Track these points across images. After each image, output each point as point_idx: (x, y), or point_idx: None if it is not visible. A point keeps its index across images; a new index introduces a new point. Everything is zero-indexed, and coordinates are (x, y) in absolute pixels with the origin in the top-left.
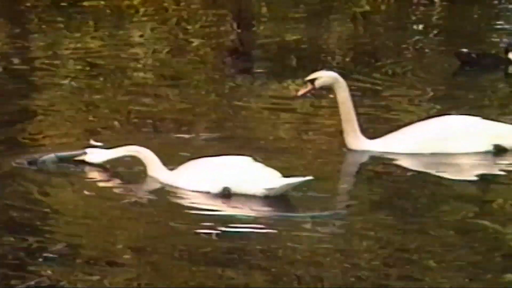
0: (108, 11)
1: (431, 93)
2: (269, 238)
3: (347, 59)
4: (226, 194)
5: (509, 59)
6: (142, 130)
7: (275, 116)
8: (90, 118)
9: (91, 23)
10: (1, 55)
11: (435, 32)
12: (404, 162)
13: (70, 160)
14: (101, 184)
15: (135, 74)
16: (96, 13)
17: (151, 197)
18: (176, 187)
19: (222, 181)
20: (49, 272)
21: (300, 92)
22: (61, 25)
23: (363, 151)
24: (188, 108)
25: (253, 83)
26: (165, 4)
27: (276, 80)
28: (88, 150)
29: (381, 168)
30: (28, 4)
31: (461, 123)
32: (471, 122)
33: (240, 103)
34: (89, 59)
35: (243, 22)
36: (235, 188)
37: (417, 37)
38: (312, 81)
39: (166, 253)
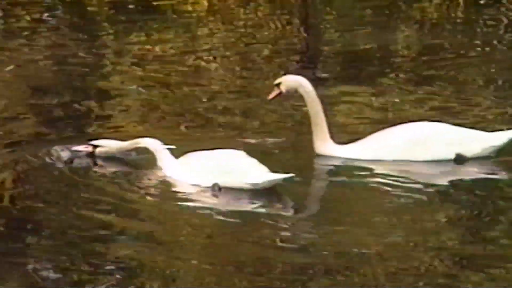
0: (175, 16)
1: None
2: None
3: (414, 64)
4: (216, 189)
5: None
6: (209, 135)
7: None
8: (156, 122)
9: (159, 28)
10: (70, 59)
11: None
12: (363, 169)
13: (80, 154)
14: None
15: (202, 80)
16: (165, 18)
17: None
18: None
19: (211, 175)
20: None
21: (270, 96)
22: (129, 30)
23: (330, 156)
24: (254, 112)
25: (317, 88)
26: (233, 10)
27: (342, 84)
28: (96, 142)
29: (338, 173)
30: (95, 9)
31: (425, 130)
32: (436, 129)
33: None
34: (157, 65)
35: (310, 28)
36: (223, 182)
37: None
38: (278, 84)
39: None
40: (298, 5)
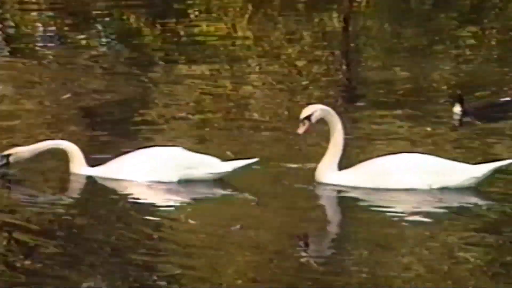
0: (222, 49)
1: None
2: None
3: (450, 92)
4: (180, 182)
5: None
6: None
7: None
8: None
9: (208, 60)
10: (122, 88)
11: None
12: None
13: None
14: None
15: (248, 108)
16: (213, 48)
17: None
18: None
19: (176, 170)
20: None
21: (300, 131)
22: (179, 58)
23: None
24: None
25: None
26: (277, 42)
27: (379, 113)
28: (8, 151)
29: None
30: (150, 38)
31: (407, 161)
32: (417, 160)
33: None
34: (206, 94)
35: (351, 59)
36: (187, 175)
37: None
38: (308, 117)
39: None
40: (340, 36)
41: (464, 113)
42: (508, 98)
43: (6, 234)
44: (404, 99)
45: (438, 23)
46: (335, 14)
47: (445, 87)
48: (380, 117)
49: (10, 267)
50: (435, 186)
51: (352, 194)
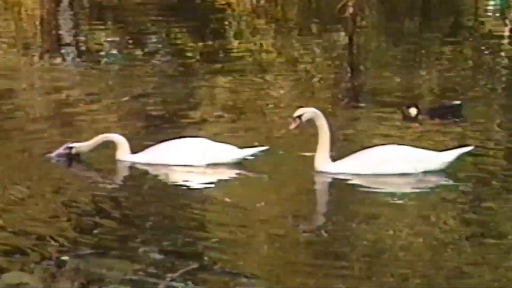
0: (251, 61)
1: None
2: None
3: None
4: (208, 166)
5: None
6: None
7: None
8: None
9: (237, 67)
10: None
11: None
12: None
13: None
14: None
15: (270, 107)
16: (243, 60)
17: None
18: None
19: (203, 156)
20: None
21: (291, 127)
22: (215, 68)
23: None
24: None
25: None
26: (294, 55)
27: (374, 113)
28: (73, 144)
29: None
30: (193, 52)
31: (395, 151)
32: (402, 150)
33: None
34: (237, 96)
35: (354, 69)
36: (212, 160)
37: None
38: (300, 116)
39: None
40: (346, 51)
41: (419, 114)
42: (457, 102)
43: (70, 212)
44: (392, 101)
45: (424, 41)
46: (342, 33)
47: (427, 92)
48: (376, 116)
49: (75, 241)
50: (419, 170)
51: (347, 180)
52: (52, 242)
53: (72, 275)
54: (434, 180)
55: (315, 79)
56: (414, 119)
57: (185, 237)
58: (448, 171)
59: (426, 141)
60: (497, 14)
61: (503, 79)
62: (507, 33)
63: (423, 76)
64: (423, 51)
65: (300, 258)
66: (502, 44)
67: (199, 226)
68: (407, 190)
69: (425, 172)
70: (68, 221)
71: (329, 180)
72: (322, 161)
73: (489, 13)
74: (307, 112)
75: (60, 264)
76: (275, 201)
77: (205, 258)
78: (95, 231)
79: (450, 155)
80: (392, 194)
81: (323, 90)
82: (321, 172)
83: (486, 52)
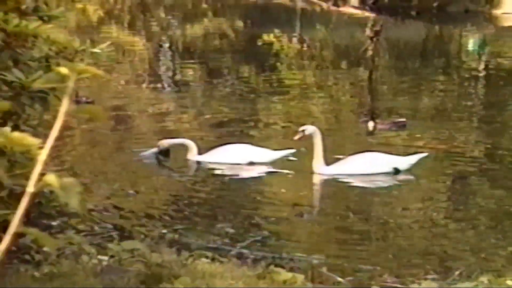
0: (296, 87)
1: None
2: None
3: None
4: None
5: None
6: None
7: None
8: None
9: (286, 91)
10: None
11: None
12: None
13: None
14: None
15: (310, 120)
16: (291, 87)
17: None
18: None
19: (247, 156)
20: None
21: (296, 137)
22: (272, 92)
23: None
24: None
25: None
26: (328, 83)
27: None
28: (159, 143)
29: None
30: (255, 81)
31: (375, 156)
32: (380, 155)
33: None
34: (286, 111)
35: (372, 94)
36: (253, 159)
37: None
38: (303, 131)
39: None
40: (366, 81)
41: (375, 127)
42: (403, 119)
43: (164, 197)
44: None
45: (422, 74)
46: (363, 69)
47: (423, 110)
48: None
49: (171, 219)
50: (398, 168)
51: (338, 178)
52: (155, 220)
53: (169, 243)
54: (404, 177)
55: (343, 102)
56: (372, 132)
57: (248, 216)
58: (411, 170)
59: (389, 148)
60: (475, 55)
61: (470, 102)
62: (482, 68)
63: (421, 99)
64: (422, 82)
65: (328, 233)
66: (479, 76)
67: (258, 207)
68: (387, 184)
69: (397, 172)
70: (165, 204)
71: (324, 178)
72: (318, 165)
73: (469, 55)
74: (309, 128)
75: (161, 235)
76: (295, 189)
77: (264, 232)
78: (184, 212)
79: (414, 159)
80: (376, 188)
81: (348, 109)
82: (319, 174)
83: (465, 83)
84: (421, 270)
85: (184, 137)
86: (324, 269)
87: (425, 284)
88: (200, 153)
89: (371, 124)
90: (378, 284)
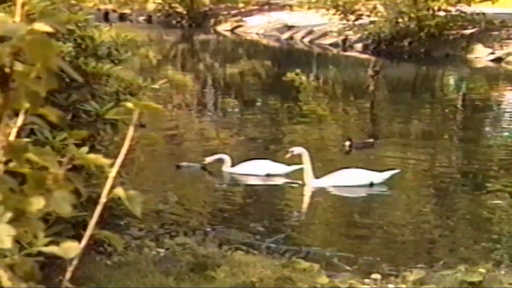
0: (314, 114)
1: None
2: None
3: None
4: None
5: None
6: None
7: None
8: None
9: (308, 117)
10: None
11: None
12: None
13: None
14: None
15: (324, 137)
16: (312, 114)
17: None
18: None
19: (265, 169)
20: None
21: (287, 156)
22: (295, 117)
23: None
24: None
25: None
26: (340, 113)
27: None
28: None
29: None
30: (283, 112)
31: (357, 172)
32: (360, 171)
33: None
34: (305, 130)
35: (374, 120)
36: (270, 171)
37: None
38: (293, 151)
39: None
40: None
41: (351, 146)
42: (371, 140)
43: (203, 201)
44: (388, 139)
45: (412, 104)
46: (367, 100)
47: (412, 132)
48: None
49: (214, 219)
50: (373, 182)
51: (326, 189)
52: (200, 220)
53: (212, 239)
54: (379, 188)
55: (351, 126)
56: (348, 151)
57: (279, 217)
58: (385, 183)
59: (365, 165)
60: (454, 91)
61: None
62: (459, 100)
63: (411, 124)
64: (412, 111)
65: (336, 231)
66: (457, 107)
67: (283, 210)
68: (365, 193)
69: (371, 185)
70: (208, 207)
71: (315, 190)
72: (308, 178)
73: (449, 90)
74: (297, 149)
75: (206, 233)
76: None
77: (288, 231)
78: (224, 214)
79: (387, 174)
80: (358, 196)
81: (354, 132)
82: (308, 185)
83: (446, 112)
84: (413, 261)
85: (221, 153)
86: (335, 260)
87: (415, 272)
88: (233, 165)
89: (347, 143)
90: (378, 271)
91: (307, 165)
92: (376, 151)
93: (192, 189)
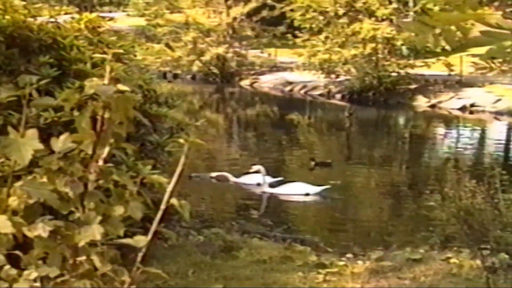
0: (304, 144)
1: None
2: None
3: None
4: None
5: None
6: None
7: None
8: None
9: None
10: None
11: None
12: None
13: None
14: None
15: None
16: (299, 144)
17: None
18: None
19: (304, 189)
20: None
21: (251, 171)
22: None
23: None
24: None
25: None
26: (324, 138)
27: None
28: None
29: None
30: (284, 141)
31: (296, 184)
32: (301, 184)
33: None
34: (297, 161)
35: (349, 144)
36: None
37: None
38: (252, 167)
39: None
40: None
41: (316, 165)
42: (329, 160)
43: (217, 206)
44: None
45: (375, 136)
46: (345, 128)
47: (369, 156)
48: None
49: (224, 220)
50: (309, 193)
51: (278, 195)
52: (227, 216)
53: (236, 230)
54: (314, 197)
55: (333, 149)
56: (313, 168)
57: (277, 214)
58: (321, 194)
59: (316, 178)
60: (403, 127)
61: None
62: (407, 134)
63: (370, 149)
64: (374, 141)
65: (319, 224)
66: (405, 138)
67: (290, 213)
68: (306, 200)
69: (307, 194)
70: (231, 207)
71: (267, 195)
72: (264, 187)
73: (400, 127)
74: (255, 166)
75: (231, 225)
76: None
77: (289, 224)
78: (243, 212)
79: (319, 188)
80: (301, 202)
81: (333, 153)
82: (264, 192)
83: (398, 142)
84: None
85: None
86: (321, 244)
87: (376, 252)
88: (237, 177)
89: (312, 163)
90: (351, 252)
91: (265, 178)
92: (332, 169)
93: (213, 194)
